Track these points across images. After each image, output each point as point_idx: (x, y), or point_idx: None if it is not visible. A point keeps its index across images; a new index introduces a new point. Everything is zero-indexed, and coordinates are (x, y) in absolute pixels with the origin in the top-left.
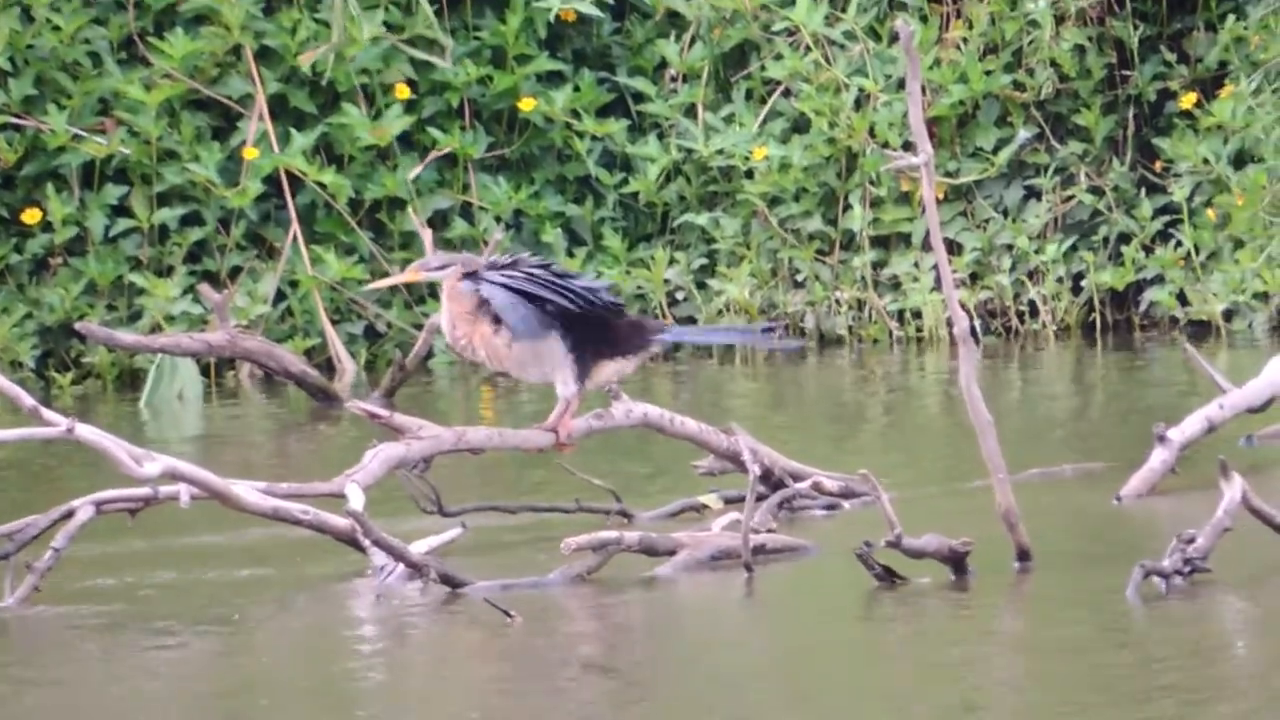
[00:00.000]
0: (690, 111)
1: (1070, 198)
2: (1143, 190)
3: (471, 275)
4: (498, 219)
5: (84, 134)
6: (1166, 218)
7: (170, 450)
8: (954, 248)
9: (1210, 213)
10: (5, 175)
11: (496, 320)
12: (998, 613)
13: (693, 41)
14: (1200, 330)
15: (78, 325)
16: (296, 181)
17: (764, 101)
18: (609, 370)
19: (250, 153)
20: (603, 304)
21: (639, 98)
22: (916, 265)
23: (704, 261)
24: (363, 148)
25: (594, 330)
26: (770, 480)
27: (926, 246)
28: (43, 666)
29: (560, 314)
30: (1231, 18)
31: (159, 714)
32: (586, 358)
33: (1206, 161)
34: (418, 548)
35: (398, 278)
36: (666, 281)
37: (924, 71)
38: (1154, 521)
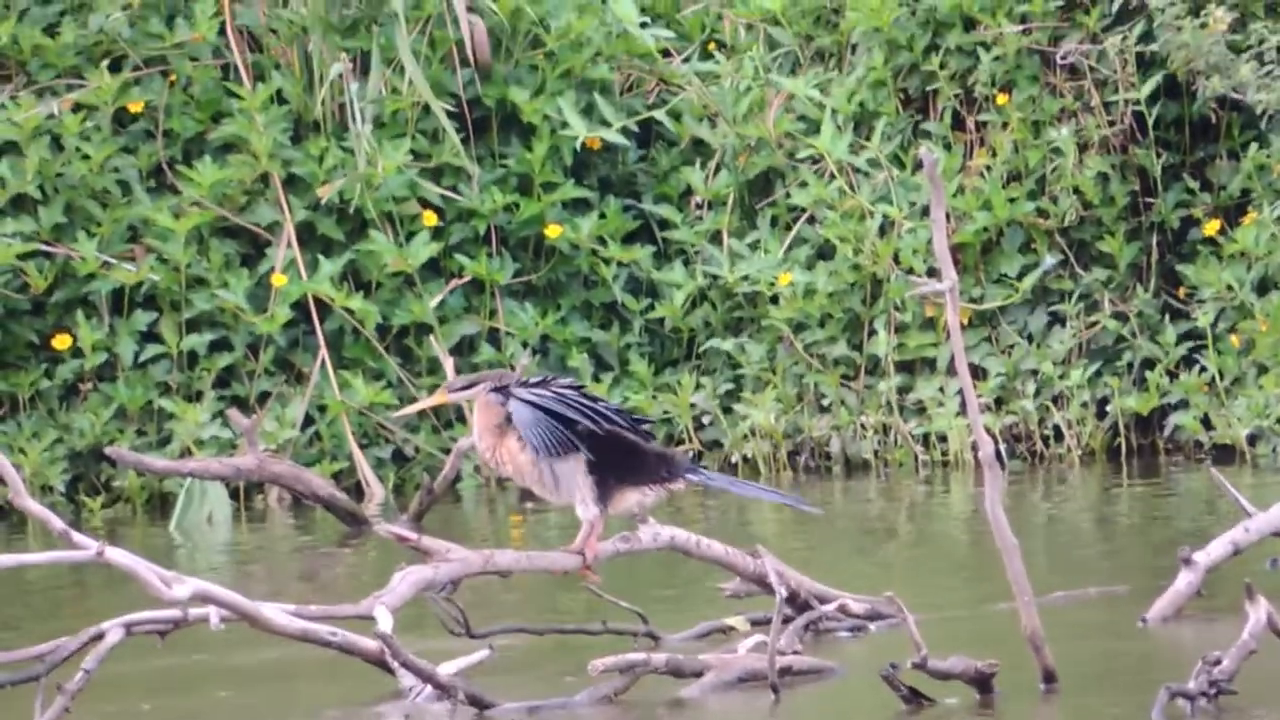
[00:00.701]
0: (716, 238)
1: (1094, 324)
2: (1166, 316)
3: (502, 390)
4: (524, 344)
5: (114, 261)
6: (1190, 343)
7: (199, 573)
8: (979, 373)
9: (1234, 339)
10: (36, 302)
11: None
12: None
13: (718, 169)
14: (1224, 454)
15: (108, 450)
16: (324, 307)
17: (789, 228)
18: (630, 500)
19: (279, 279)
20: (629, 424)
21: (664, 224)
22: (942, 390)
23: (730, 387)
24: (390, 274)
25: (618, 457)
26: (796, 602)
27: (951, 372)
28: None
29: (585, 436)
30: (1254, 146)
31: None
32: (609, 482)
33: (1230, 288)
34: (446, 669)
35: (426, 402)
36: (693, 406)
37: (948, 198)
38: (1179, 644)
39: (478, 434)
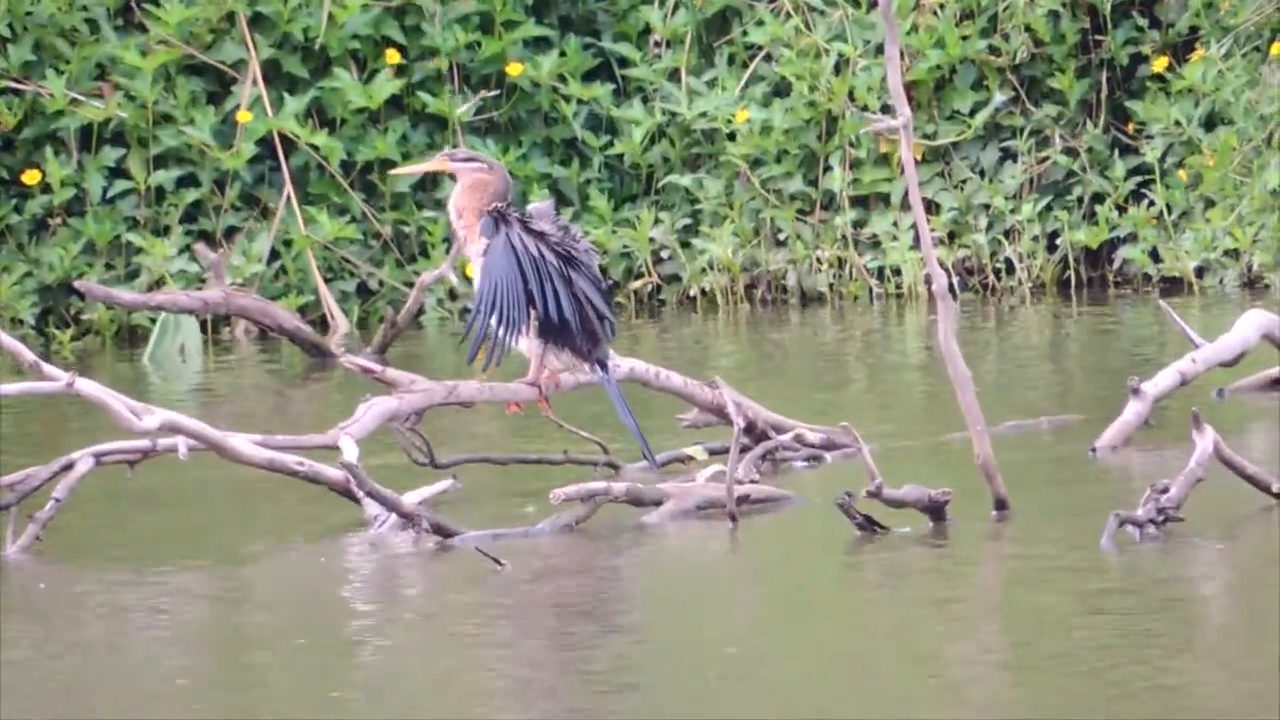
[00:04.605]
0: (674, 76)
1: (1045, 159)
2: (1116, 151)
3: (501, 219)
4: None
5: (82, 98)
6: (1139, 178)
7: (168, 404)
8: (932, 207)
9: (1182, 173)
10: (5, 138)
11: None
12: (975, 561)
13: (676, 8)
14: (1173, 287)
15: (77, 283)
16: (290, 144)
17: (746, 66)
18: (550, 356)
19: (244, 116)
20: (589, 328)
21: (624, 63)
22: (895, 224)
23: (688, 221)
24: (354, 111)
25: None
26: (754, 433)
27: (905, 206)
28: (43, 612)
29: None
30: None
31: (156, 665)
32: (547, 328)
33: (1178, 123)
34: (410, 498)
35: (427, 165)
36: (651, 240)
37: (902, 37)
38: (1128, 472)
39: (456, 204)
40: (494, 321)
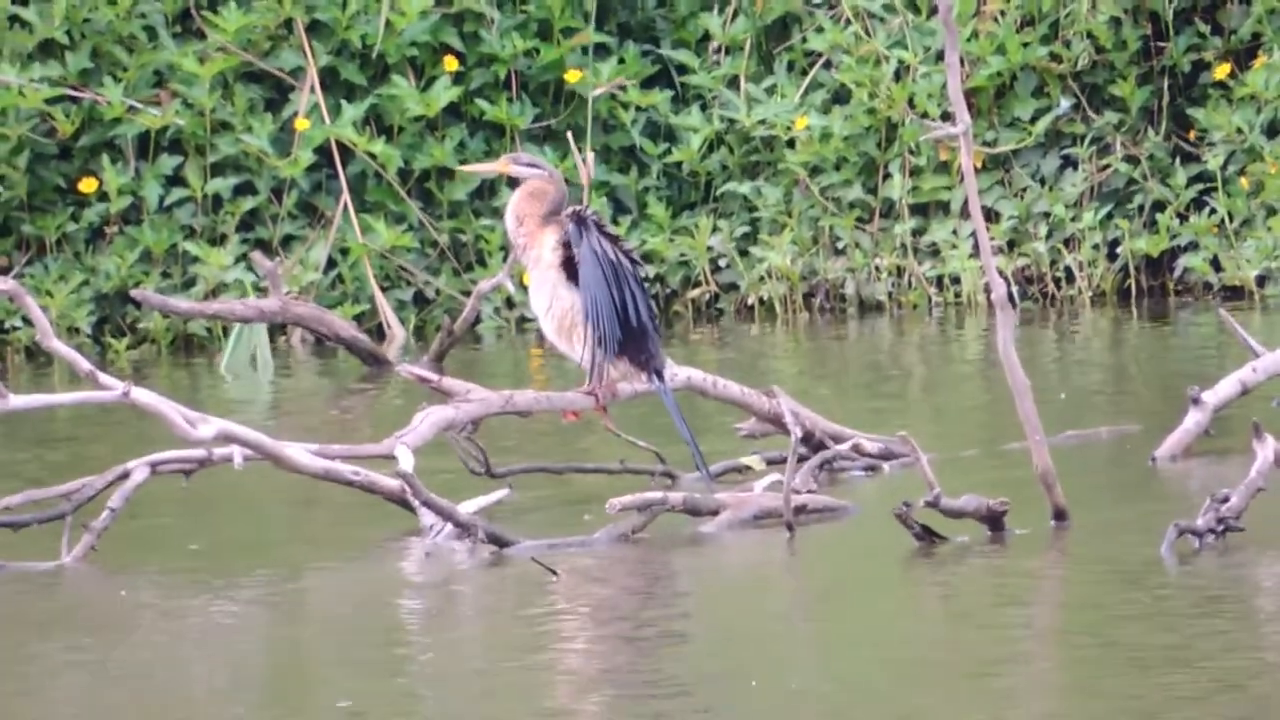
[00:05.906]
0: (733, 83)
1: (1106, 166)
2: (1177, 159)
3: (579, 222)
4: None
5: (139, 106)
6: (1200, 186)
7: (228, 413)
8: (992, 215)
9: (1244, 181)
10: (62, 146)
11: (566, 245)
12: (1033, 571)
13: (735, 15)
14: (1233, 295)
15: (133, 292)
16: (347, 152)
17: (805, 73)
18: (606, 368)
19: (302, 124)
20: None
21: (682, 70)
22: (955, 233)
23: (746, 229)
24: (411, 119)
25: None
26: (811, 442)
27: (965, 214)
28: (99, 622)
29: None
30: None
31: (212, 668)
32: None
33: (1240, 131)
34: (466, 508)
35: (491, 166)
36: (710, 249)
37: (962, 43)
38: (1188, 482)
39: (515, 212)
40: (596, 340)
